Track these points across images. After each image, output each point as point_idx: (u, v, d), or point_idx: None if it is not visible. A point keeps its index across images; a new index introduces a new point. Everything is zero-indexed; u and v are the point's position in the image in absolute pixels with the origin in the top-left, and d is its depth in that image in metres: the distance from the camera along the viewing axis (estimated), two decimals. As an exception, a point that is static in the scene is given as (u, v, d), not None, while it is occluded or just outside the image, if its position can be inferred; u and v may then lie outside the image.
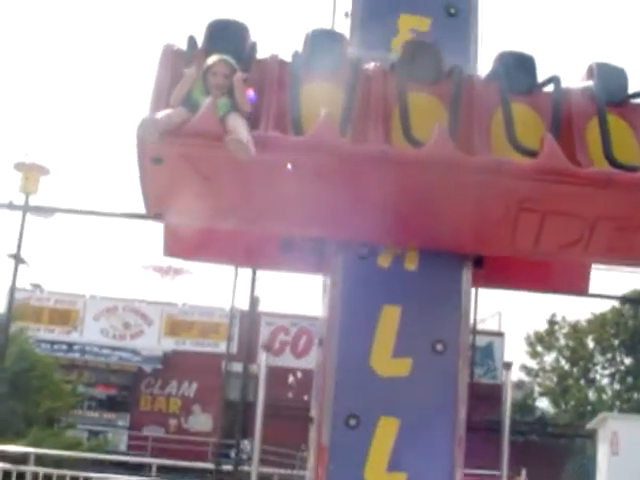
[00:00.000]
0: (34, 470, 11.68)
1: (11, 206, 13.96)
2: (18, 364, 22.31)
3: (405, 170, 4.38)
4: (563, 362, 39.78)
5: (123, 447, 28.68)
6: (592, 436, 20.80)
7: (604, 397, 38.01)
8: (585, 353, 38.89)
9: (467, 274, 5.03)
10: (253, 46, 4.84)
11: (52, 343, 30.43)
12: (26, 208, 13.44)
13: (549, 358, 40.11)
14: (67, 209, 15.86)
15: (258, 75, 4.70)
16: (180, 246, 5.36)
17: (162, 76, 4.63)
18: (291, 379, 11.32)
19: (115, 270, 68.68)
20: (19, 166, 13.40)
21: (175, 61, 4.69)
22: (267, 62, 4.83)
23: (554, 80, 4.93)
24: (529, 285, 6.10)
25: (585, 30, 77.54)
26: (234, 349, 17.49)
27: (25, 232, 13.88)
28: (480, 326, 22.88)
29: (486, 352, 30.01)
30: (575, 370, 39.39)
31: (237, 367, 17.12)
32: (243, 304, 18.53)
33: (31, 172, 13.29)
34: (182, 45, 4.80)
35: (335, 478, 4.66)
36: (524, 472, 13.47)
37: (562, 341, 39.64)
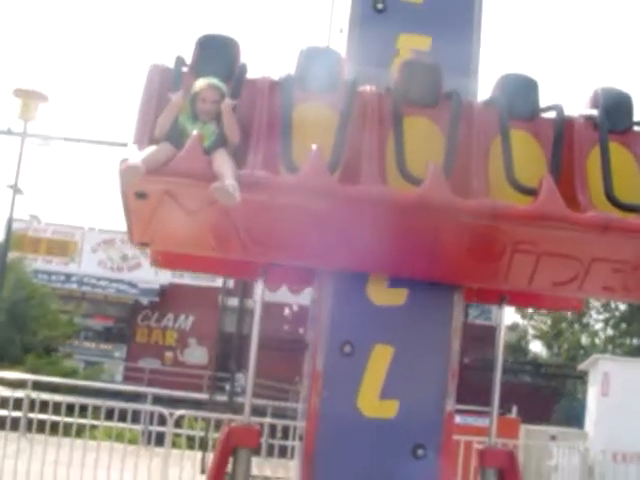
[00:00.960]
0: (31, 395, 11.82)
1: (9, 132, 13.89)
2: (16, 293, 22.48)
3: (397, 212, 4.27)
4: (558, 306, 40.03)
5: (119, 378, 29.00)
6: (583, 377, 21.05)
7: (597, 342, 38.35)
8: (580, 298, 39.10)
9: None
10: (243, 67, 4.63)
11: (50, 274, 30.55)
12: (24, 135, 13.38)
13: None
14: (65, 137, 15.80)
15: (248, 96, 4.54)
16: (159, 258, 5.30)
17: (148, 97, 4.50)
18: (287, 311, 11.38)
19: (113, 202, 68.66)
20: (18, 92, 13.29)
21: (162, 81, 4.55)
22: (257, 83, 4.68)
23: (557, 109, 4.83)
24: (522, 304, 6.09)
25: (589, 51, 76.67)
26: (231, 283, 17.50)
27: (23, 162, 13.87)
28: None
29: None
30: (569, 314, 39.68)
31: (233, 301, 17.19)
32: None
33: (30, 99, 13.19)
34: (170, 62, 4.64)
35: (328, 405, 4.72)
36: (515, 409, 13.64)
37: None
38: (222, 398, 15.42)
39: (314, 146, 4.26)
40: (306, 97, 4.67)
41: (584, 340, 38.87)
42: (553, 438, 12.30)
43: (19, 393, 12.01)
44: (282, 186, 4.19)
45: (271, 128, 4.47)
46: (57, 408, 10.59)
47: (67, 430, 10.22)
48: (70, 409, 10.53)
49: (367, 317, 4.73)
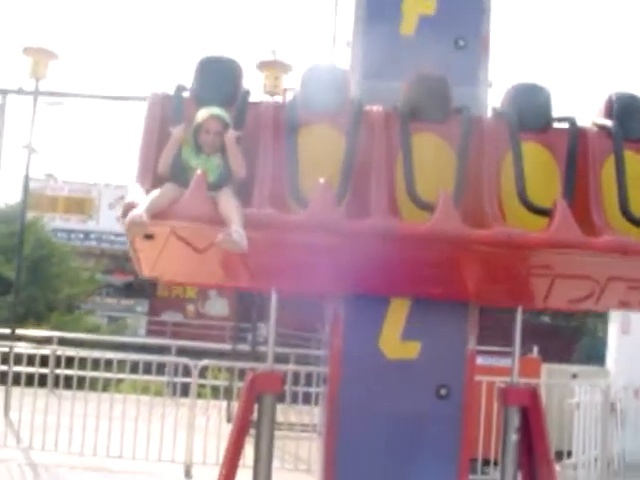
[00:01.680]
0: (57, 352, 11.98)
1: (21, 92, 13.86)
2: (36, 252, 22.66)
3: (408, 245, 4.20)
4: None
5: (142, 332, 29.28)
6: (603, 316, 21.06)
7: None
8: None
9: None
10: (246, 93, 4.56)
11: (68, 232, 30.74)
12: (36, 93, 13.34)
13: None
14: (77, 93, 15.75)
15: (252, 121, 4.46)
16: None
17: (149, 131, 4.42)
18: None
19: (128, 157, 68.74)
20: (28, 51, 13.24)
21: (163, 110, 4.48)
22: (261, 107, 4.61)
23: (570, 121, 4.72)
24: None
25: (599, 56, 74.93)
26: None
27: (36, 121, 13.83)
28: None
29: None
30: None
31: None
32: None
33: (40, 57, 13.13)
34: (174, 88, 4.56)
35: (350, 347, 4.77)
36: (536, 349, 13.69)
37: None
38: (245, 348, 15.56)
39: (322, 180, 4.18)
40: (311, 119, 4.58)
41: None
42: (574, 376, 12.33)
43: (45, 350, 12.20)
44: (289, 225, 4.12)
45: (276, 155, 4.38)
46: (83, 363, 10.74)
47: (93, 385, 10.37)
48: (96, 364, 10.67)
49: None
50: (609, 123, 4.74)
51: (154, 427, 9.42)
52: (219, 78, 4.67)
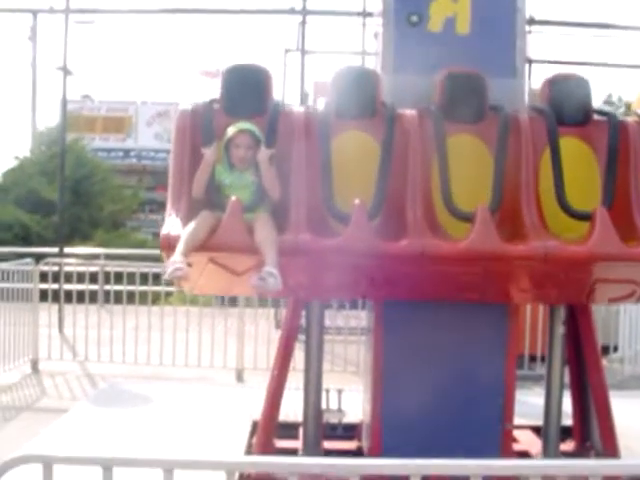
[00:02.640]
0: (105, 268, 12.19)
1: (52, 10, 13.80)
2: (78, 171, 22.86)
3: (444, 263, 4.16)
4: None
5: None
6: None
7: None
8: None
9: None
10: (277, 106, 4.47)
11: (108, 151, 30.95)
12: (67, 11, 13.25)
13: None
14: (108, 9, 15.63)
15: (285, 131, 4.39)
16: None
17: (180, 151, 4.40)
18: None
19: (164, 75, 68.50)
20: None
21: (193, 126, 4.43)
22: (293, 116, 4.51)
23: (609, 115, 4.60)
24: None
25: None
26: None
27: (70, 42, 13.78)
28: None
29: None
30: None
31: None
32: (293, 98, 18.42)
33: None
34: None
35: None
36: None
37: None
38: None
39: (357, 201, 4.14)
40: (344, 126, 4.52)
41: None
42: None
43: (94, 267, 12.43)
44: (325, 251, 4.11)
45: (310, 167, 4.33)
46: (131, 278, 10.94)
47: (143, 299, 10.57)
48: (144, 278, 10.85)
49: None
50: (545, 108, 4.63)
51: (205, 336, 9.62)
52: (248, 88, 4.59)
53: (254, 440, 5.29)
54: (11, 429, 6.93)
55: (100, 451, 2.34)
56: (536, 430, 5.88)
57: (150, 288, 10.71)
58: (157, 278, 11.00)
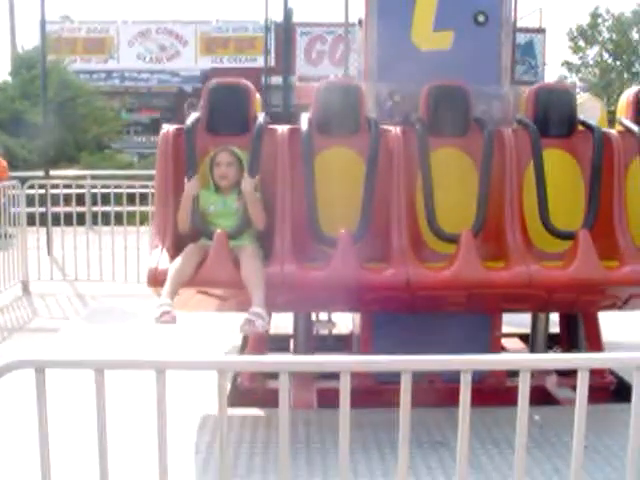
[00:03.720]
0: (92, 190, 12.12)
1: None
2: (61, 94, 22.57)
3: (429, 291, 4.19)
4: (606, 56, 39.04)
5: (173, 168, 29.43)
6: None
7: (648, 88, 37.50)
8: (629, 46, 37.99)
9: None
10: (260, 128, 4.41)
11: (90, 73, 30.40)
12: None
13: (592, 52, 39.37)
14: None
15: (269, 146, 4.40)
16: None
17: (163, 181, 4.46)
18: (332, 77, 11.28)
19: (143, -5, 66.95)
20: None
21: (175, 146, 4.47)
22: (277, 133, 4.50)
23: (593, 128, 4.58)
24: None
25: None
26: (272, 62, 17.31)
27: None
28: (520, 24, 22.25)
29: (526, 50, 29.32)
30: (618, 64, 38.69)
31: (277, 80, 17.07)
32: (277, 16, 18.20)
33: None
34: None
35: (384, 41, 4.79)
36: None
37: (605, 34, 38.67)
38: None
39: (342, 231, 4.14)
40: (328, 142, 4.50)
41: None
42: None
43: (81, 189, 12.35)
44: (312, 282, 4.14)
45: (295, 187, 4.36)
46: (119, 199, 10.88)
47: (131, 219, 10.53)
48: (131, 199, 10.81)
49: (413, 63, 4.69)
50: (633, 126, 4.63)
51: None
52: (230, 106, 4.57)
53: (245, 351, 5.35)
54: (4, 350, 6.97)
55: (92, 355, 2.35)
56: (524, 338, 5.96)
57: (138, 208, 10.69)
58: (144, 198, 10.96)
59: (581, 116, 4.83)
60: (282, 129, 4.58)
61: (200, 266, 4.09)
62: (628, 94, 4.91)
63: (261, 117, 4.53)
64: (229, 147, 4.42)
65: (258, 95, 4.77)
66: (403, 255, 4.25)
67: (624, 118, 4.80)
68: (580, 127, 4.76)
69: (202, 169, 4.45)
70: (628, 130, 4.67)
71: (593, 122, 5.00)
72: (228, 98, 4.59)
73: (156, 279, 4.06)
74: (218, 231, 4.13)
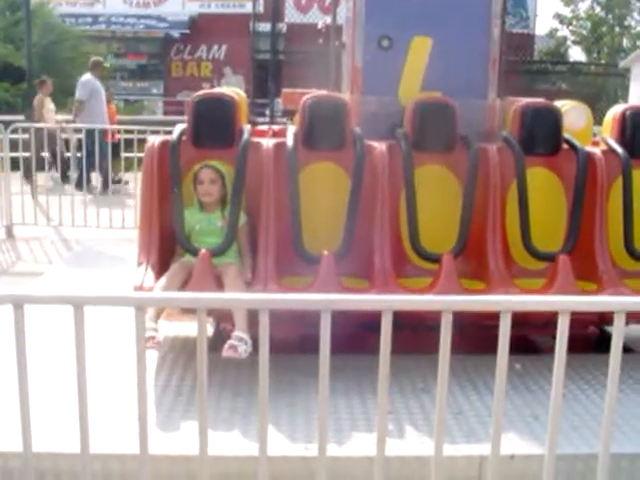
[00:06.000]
0: (78, 135, 12.00)
1: None
2: (45, 37, 22.24)
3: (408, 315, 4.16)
4: (598, 9, 38.76)
5: (159, 113, 29.19)
6: (625, 76, 20.71)
7: (639, 43, 37.35)
8: (621, -1, 37.76)
9: None
10: (245, 144, 4.39)
11: (76, 17, 29.95)
12: None
13: (584, 5, 39.16)
14: None
15: (254, 160, 4.40)
16: None
17: (148, 199, 4.45)
18: (320, 24, 11.11)
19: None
20: None
21: (161, 161, 4.45)
22: (262, 147, 4.47)
23: (576, 148, 4.54)
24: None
25: None
26: (261, 8, 17.06)
27: None
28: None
29: (518, 1, 29.02)
30: (610, 17, 38.42)
31: (265, 26, 16.85)
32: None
33: None
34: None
35: (370, 95, 4.77)
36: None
37: (598, -14, 38.35)
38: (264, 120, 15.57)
39: (325, 252, 4.14)
40: (313, 157, 4.48)
41: (625, 43, 37.90)
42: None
43: (65, 134, 12.22)
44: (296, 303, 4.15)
45: (279, 202, 4.37)
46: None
47: (116, 165, 10.46)
48: (116, 145, 10.72)
49: (404, 10, 4.65)
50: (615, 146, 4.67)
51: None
52: (216, 119, 4.56)
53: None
54: (-13, 291, 6.96)
55: (72, 291, 2.33)
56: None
57: (123, 155, 10.61)
58: (129, 145, 10.89)
59: (566, 123, 4.85)
60: (267, 143, 4.60)
61: (184, 285, 4.13)
62: (614, 111, 4.93)
63: (246, 131, 4.54)
64: (211, 164, 4.42)
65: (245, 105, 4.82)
66: (384, 275, 4.31)
67: (609, 137, 4.85)
68: (565, 145, 4.79)
69: (186, 184, 4.48)
70: (612, 150, 4.70)
71: (579, 127, 5.03)
72: (213, 111, 4.59)
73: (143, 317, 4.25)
74: (202, 251, 4.17)
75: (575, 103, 5.13)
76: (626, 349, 2.67)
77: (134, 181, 9.78)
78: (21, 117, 12.94)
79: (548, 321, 2.99)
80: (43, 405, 3.63)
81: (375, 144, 4.57)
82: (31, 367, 2.43)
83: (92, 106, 12.93)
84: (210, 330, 4.84)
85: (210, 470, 2.56)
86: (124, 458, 3.21)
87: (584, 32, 38.45)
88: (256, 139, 4.61)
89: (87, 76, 13.53)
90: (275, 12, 15.48)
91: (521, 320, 2.57)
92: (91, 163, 10.85)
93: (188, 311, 4.24)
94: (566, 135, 4.73)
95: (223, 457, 3.30)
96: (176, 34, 30.46)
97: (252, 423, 3.57)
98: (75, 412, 2.47)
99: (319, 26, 10.84)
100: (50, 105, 14.66)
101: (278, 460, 3.23)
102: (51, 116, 14.22)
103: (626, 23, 38.01)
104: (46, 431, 3.38)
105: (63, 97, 21.55)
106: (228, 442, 3.46)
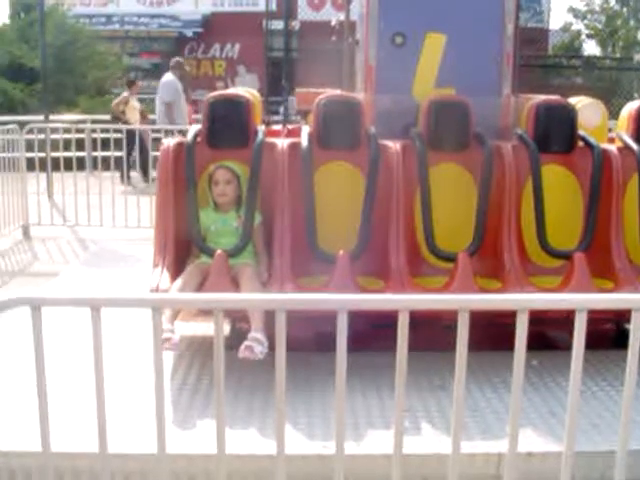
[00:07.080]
0: (92, 135, 12.04)
1: None
2: (60, 38, 22.30)
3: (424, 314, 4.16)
4: (612, 2, 38.53)
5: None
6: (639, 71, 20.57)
7: (654, 36, 37.10)
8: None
9: None
10: (259, 144, 4.40)
11: (90, 17, 29.99)
12: None
13: (598, -1, 38.87)
14: None
15: (269, 160, 4.39)
16: None
17: (164, 203, 4.43)
18: (334, 21, 11.09)
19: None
20: None
21: (176, 163, 4.44)
22: (277, 147, 4.47)
23: (592, 145, 4.51)
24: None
25: None
26: (274, 6, 17.07)
27: None
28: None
29: (532, -4, 28.84)
30: (625, 10, 38.20)
31: (278, 24, 16.84)
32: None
33: None
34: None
35: (383, 95, 4.75)
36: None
37: (612, -20, 38.12)
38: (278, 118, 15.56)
39: (341, 252, 4.13)
40: (328, 156, 4.47)
41: (640, 36, 37.68)
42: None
43: (80, 134, 12.24)
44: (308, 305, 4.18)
45: (294, 202, 4.37)
46: (118, 144, 10.83)
47: (132, 165, 10.47)
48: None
49: (417, 7, 4.63)
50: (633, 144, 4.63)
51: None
52: (230, 119, 4.56)
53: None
54: (4, 293, 6.98)
55: (89, 293, 2.34)
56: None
57: (138, 154, 10.63)
58: (145, 143, 10.90)
59: (581, 120, 4.81)
60: (282, 143, 4.59)
61: (200, 286, 4.12)
62: (630, 107, 4.89)
63: (261, 131, 4.54)
64: (226, 164, 4.41)
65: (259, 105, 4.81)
66: (400, 275, 4.29)
67: (624, 133, 4.79)
68: (580, 143, 4.76)
69: (201, 185, 4.47)
70: (627, 147, 4.66)
71: (594, 123, 4.99)
72: (228, 112, 4.59)
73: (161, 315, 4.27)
74: (218, 251, 4.16)
75: (590, 100, 5.10)
76: (644, 345, 2.66)
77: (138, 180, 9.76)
78: (39, 117, 12.95)
79: (565, 318, 3.00)
80: (62, 405, 3.65)
81: (390, 143, 4.55)
82: (49, 368, 2.44)
83: (176, 106, 12.96)
84: (226, 328, 4.85)
85: (228, 469, 2.56)
86: (142, 457, 3.23)
87: (599, 26, 38.23)
88: (271, 139, 4.61)
89: (169, 76, 13.51)
90: (288, 10, 15.47)
91: (538, 317, 2.58)
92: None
93: (204, 312, 4.24)
94: (581, 132, 4.70)
95: (241, 456, 3.31)
96: (189, 33, 30.46)
97: (269, 422, 3.58)
98: (94, 412, 2.48)
99: (332, 23, 10.81)
100: (135, 103, 14.75)
101: (296, 459, 3.23)
102: (135, 115, 14.28)
103: (641, 16, 37.79)
104: (65, 431, 3.40)
105: (77, 97, 21.67)
106: (246, 441, 3.47)
